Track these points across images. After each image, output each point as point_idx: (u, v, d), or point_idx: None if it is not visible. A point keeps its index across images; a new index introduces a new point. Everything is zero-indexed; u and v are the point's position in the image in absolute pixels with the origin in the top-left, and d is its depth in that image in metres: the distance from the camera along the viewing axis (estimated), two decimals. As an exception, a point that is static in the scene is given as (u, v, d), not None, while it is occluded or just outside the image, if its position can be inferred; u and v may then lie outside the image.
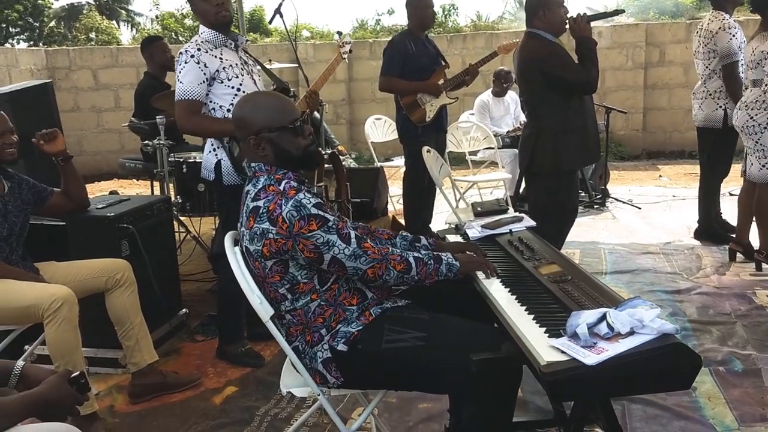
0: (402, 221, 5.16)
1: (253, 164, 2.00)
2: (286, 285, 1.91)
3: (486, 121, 6.35)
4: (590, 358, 1.49)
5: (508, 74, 6.28)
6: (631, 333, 1.54)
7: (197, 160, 4.13)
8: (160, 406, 2.82)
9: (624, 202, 6.05)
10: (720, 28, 4.28)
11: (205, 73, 2.83)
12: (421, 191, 4.76)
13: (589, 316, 1.59)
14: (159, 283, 3.14)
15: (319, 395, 1.97)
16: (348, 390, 2.04)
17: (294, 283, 1.91)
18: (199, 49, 2.84)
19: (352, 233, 1.89)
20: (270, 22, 3.60)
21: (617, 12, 3.81)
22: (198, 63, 2.81)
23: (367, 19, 14.66)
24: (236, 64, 2.93)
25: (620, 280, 4.09)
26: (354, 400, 2.67)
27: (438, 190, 4.13)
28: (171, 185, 4.29)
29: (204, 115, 2.90)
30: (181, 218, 4.34)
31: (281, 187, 1.89)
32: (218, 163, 2.95)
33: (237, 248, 2.00)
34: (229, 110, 2.86)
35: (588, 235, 5.13)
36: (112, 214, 3.00)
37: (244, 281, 1.90)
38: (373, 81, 4.66)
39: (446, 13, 15.14)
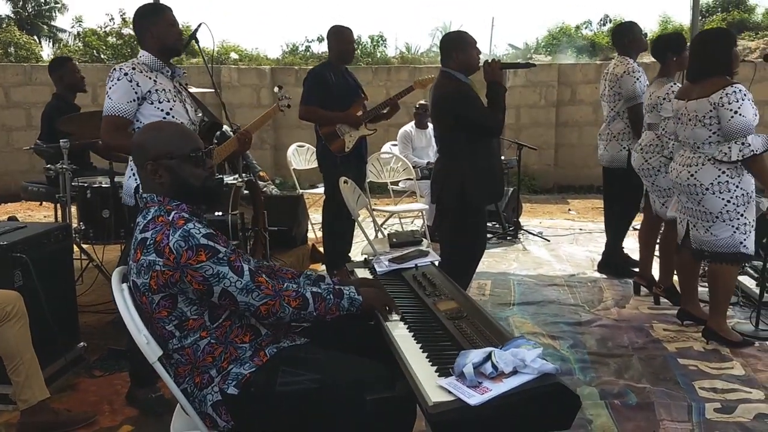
0: (322, 250, 5.14)
1: (145, 195, 1.93)
2: (174, 321, 1.85)
3: (408, 151, 6.47)
4: (474, 398, 1.52)
5: (427, 107, 6.44)
6: (514, 372, 1.59)
7: (102, 185, 4.01)
8: (51, 446, 2.67)
9: (535, 235, 6.26)
10: (625, 72, 4.53)
11: (136, 92, 2.77)
12: (340, 221, 4.76)
13: (476, 355, 1.63)
14: (55, 315, 2.99)
15: (210, 438, 1.91)
16: (242, 430, 1.99)
17: (183, 320, 1.85)
18: (133, 68, 2.80)
19: (245, 266, 1.85)
20: (185, 47, 3.56)
21: (529, 65, 3.96)
22: (130, 81, 2.76)
23: (297, 43, 14.64)
24: (169, 90, 2.89)
25: (526, 311, 4.21)
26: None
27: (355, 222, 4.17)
28: (74, 210, 4.12)
29: (130, 132, 2.83)
30: (84, 245, 4.17)
31: (170, 218, 1.83)
32: (137, 188, 2.86)
33: (125, 285, 1.94)
34: None
35: (500, 266, 5.27)
36: (5, 242, 2.85)
37: (130, 320, 1.84)
38: (299, 107, 4.67)
39: (375, 43, 15.37)
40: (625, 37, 4.66)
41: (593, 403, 2.97)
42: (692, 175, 3.44)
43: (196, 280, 1.77)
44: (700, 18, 11.25)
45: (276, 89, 3.77)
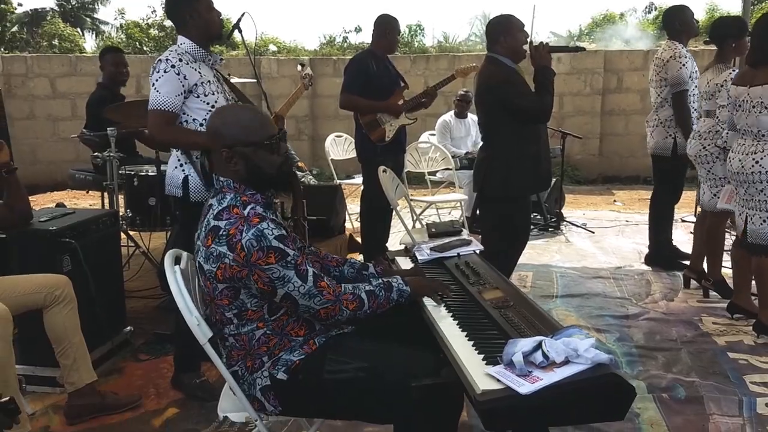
0: (359, 240, 5.14)
1: (222, 178, 1.93)
2: (234, 310, 1.86)
3: (447, 141, 6.41)
4: (524, 387, 1.48)
5: (468, 96, 6.37)
6: (566, 362, 1.55)
7: (149, 174, 4.07)
8: (97, 428, 2.72)
9: (578, 226, 6.14)
10: (671, 57, 4.40)
11: (183, 85, 2.76)
12: (378, 210, 4.74)
13: (526, 344, 1.59)
14: (102, 299, 3.05)
15: (256, 420, 1.92)
16: (287, 416, 2.00)
17: (242, 310, 1.86)
18: (180, 60, 2.78)
19: (310, 270, 1.84)
20: (228, 38, 3.57)
21: (579, 49, 3.86)
22: (178, 74, 2.75)
23: (334, 35, 14.64)
24: (212, 81, 2.89)
25: (570, 303, 4.13)
26: (298, 424, 2.62)
27: (394, 211, 4.14)
28: (121, 198, 4.19)
29: (179, 126, 2.84)
30: (131, 232, 4.25)
31: (245, 212, 1.83)
32: (185, 179, 2.88)
33: (177, 267, 1.95)
34: (201, 125, 2.81)
35: (541, 258, 5.18)
36: (54, 228, 2.91)
37: (182, 301, 1.85)
38: (337, 98, 4.65)
39: (412, 33, 15.30)
40: (675, 20, 4.51)
41: (641, 396, 2.89)
42: (757, 162, 3.31)
43: (262, 281, 1.79)
44: (750, 7, 10.91)
45: (299, 67, 3.74)
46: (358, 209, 5.13)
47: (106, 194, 4.53)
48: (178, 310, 1.86)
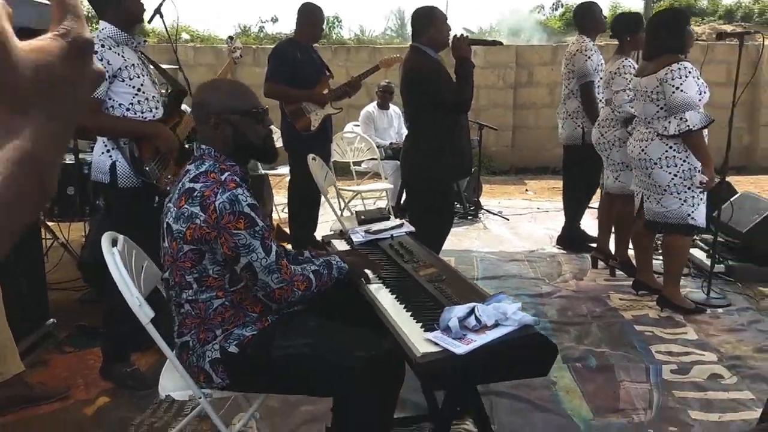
0: (287, 230, 5.17)
1: (203, 146, 1.97)
2: (195, 274, 1.89)
3: (371, 132, 6.51)
4: (460, 348, 1.62)
5: (391, 87, 6.50)
6: (496, 325, 1.69)
7: (66, 162, 3.95)
8: (29, 418, 2.67)
9: (494, 214, 6.41)
10: (578, 50, 4.68)
11: (107, 71, 2.72)
12: (306, 200, 4.79)
13: (460, 310, 1.73)
14: (25, 291, 2.97)
15: (200, 398, 1.96)
16: (231, 392, 2.05)
17: (203, 275, 1.89)
18: (102, 46, 2.74)
19: (275, 247, 1.91)
20: (149, 22, 3.52)
21: (496, 42, 4.06)
22: (101, 59, 2.71)
23: (250, 25, 14.39)
24: (137, 64, 2.86)
25: (490, 285, 4.33)
26: (236, 405, 2.67)
27: (323, 198, 4.21)
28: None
29: (106, 113, 2.80)
30: (49, 224, 4.11)
31: (222, 177, 1.88)
32: (113, 165, 2.84)
33: (115, 249, 1.97)
34: (128, 109, 2.79)
35: (462, 243, 5.40)
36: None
37: (123, 283, 1.87)
38: (258, 87, 4.62)
39: (330, 25, 15.29)
40: (584, 17, 4.81)
41: (557, 366, 3.11)
42: (643, 150, 3.63)
43: (228, 245, 1.83)
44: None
45: (227, 41, 3.71)
46: (283, 200, 5.16)
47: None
48: (113, 296, 1.87)
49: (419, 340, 1.70)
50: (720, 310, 3.81)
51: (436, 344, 1.66)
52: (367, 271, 2.22)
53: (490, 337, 1.65)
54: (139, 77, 2.84)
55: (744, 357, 3.21)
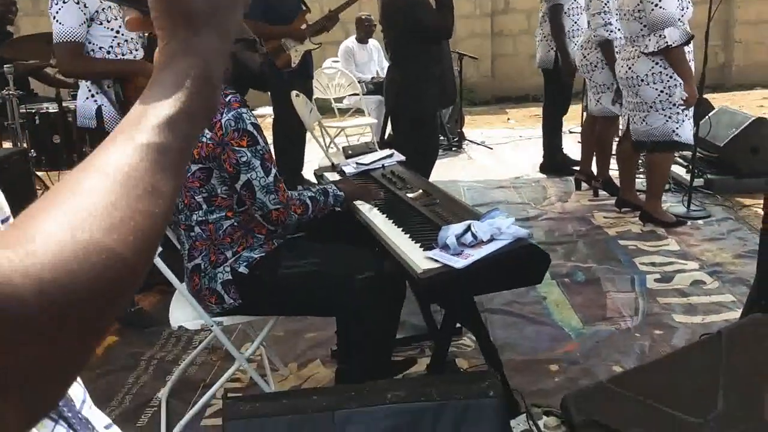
0: (273, 169, 5.18)
1: None
2: (204, 194, 1.95)
3: (351, 67, 6.45)
4: (459, 262, 1.72)
5: (369, 20, 6.40)
6: (492, 239, 1.79)
7: (50, 111, 3.93)
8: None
9: (478, 144, 6.48)
10: None
11: (85, 14, 2.69)
12: (291, 138, 4.80)
13: (457, 228, 1.82)
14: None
15: (212, 326, 2.06)
16: (240, 318, 2.14)
17: (212, 194, 1.96)
18: None
19: (274, 170, 1.96)
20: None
21: None
22: (77, 2, 2.67)
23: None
24: (113, 6, 2.82)
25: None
26: (243, 335, 2.78)
27: (309, 134, 4.24)
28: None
29: (87, 56, 2.78)
30: (37, 173, 4.11)
31: (226, 99, 1.93)
32: (99, 110, 2.85)
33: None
34: (108, 52, 2.78)
35: (448, 174, 5.47)
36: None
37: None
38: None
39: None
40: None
41: (546, 282, 3.24)
42: (630, 68, 3.67)
43: (230, 161, 1.89)
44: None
45: None
46: (269, 139, 5.15)
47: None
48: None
49: (420, 258, 1.80)
50: (700, 221, 3.96)
51: (436, 261, 1.75)
52: (365, 195, 2.29)
53: (487, 251, 1.75)
54: (117, 19, 2.81)
55: (724, 263, 3.37)
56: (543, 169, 5.32)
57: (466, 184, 5.17)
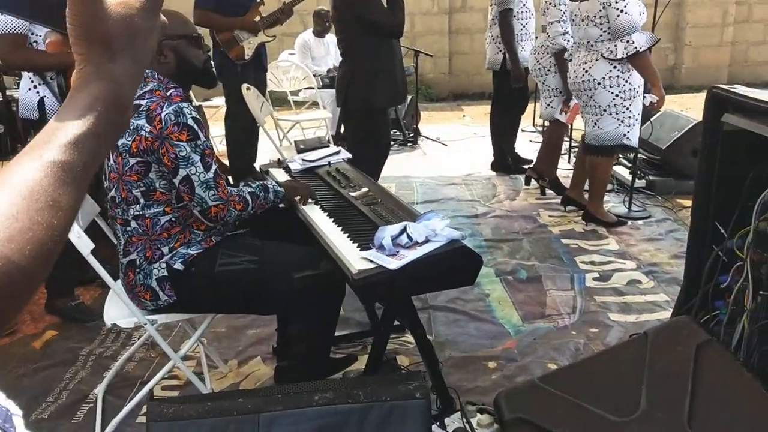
0: (226, 162, 5.14)
1: (147, 70, 1.97)
2: (142, 188, 1.93)
3: (307, 60, 6.42)
4: (393, 263, 1.74)
5: (327, 14, 6.36)
6: (427, 241, 1.82)
7: (-8, 99, 3.82)
8: (-26, 355, 2.70)
9: (433, 140, 6.53)
10: None
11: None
12: (244, 130, 4.76)
13: (393, 229, 1.84)
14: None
15: (145, 324, 2.03)
16: (176, 316, 2.12)
17: (150, 189, 1.93)
18: None
19: (214, 166, 1.95)
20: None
21: None
22: None
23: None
24: None
25: (428, 208, 4.45)
26: (183, 332, 2.76)
27: (261, 128, 4.20)
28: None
29: (29, 47, 2.72)
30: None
31: (167, 93, 1.92)
32: (41, 101, 2.80)
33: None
34: None
35: (402, 169, 5.51)
36: None
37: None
38: (189, 15, 4.53)
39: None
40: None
41: (490, 280, 3.33)
42: (586, 71, 3.72)
43: (168, 156, 1.87)
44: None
45: None
46: (220, 132, 5.11)
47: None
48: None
49: (355, 258, 1.81)
50: (640, 222, 4.08)
51: (371, 261, 1.77)
52: (303, 195, 2.30)
53: (421, 253, 1.78)
54: None
55: (660, 263, 3.49)
56: (494, 167, 5.39)
57: (418, 180, 5.21)
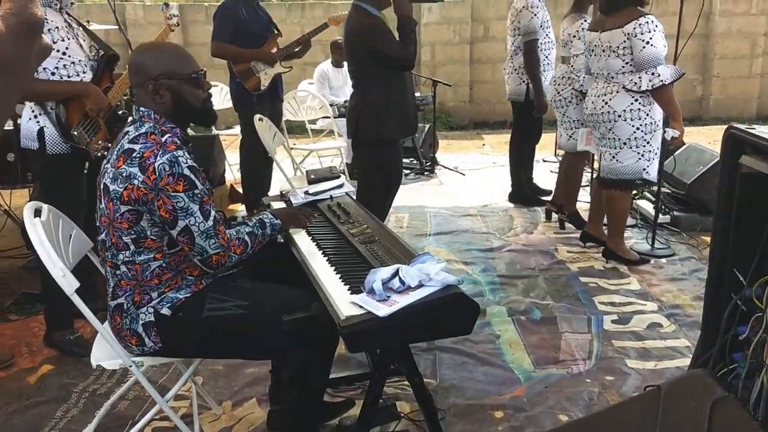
0: (240, 190, 5.12)
1: (142, 108, 1.93)
2: (133, 235, 1.86)
3: (325, 90, 6.43)
4: (383, 310, 1.63)
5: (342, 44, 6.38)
6: (420, 286, 1.71)
7: (6, 128, 3.83)
8: (-32, 389, 2.65)
9: (450, 169, 6.42)
10: (524, 6, 4.63)
11: None
12: (257, 159, 4.74)
13: (385, 272, 1.73)
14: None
15: (131, 366, 1.96)
16: (164, 358, 2.04)
17: (141, 236, 1.87)
18: None
19: (213, 213, 1.88)
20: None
21: (437, 0, 3.99)
22: None
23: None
24: (62, 27, 2.74)
25: (441, 240, 4.39)
26: (178, 371, 2.67)
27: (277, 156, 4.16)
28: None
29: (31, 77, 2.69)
30: (-11, 191, 4.01)
31: (163, 139, 1.85)
32: (41, 131, 2.77)
33: (38, 219, 1.92)
34: (53, 73, 2.70)
35: (417, 199, 5.41)
36: None
37: (45, 254, 1.83)
38: (210, 46, 4.56)
39: (288, -21, 14.89)
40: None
41: (501, 320, 3.19)
42: (606, 103, 3.60)
43: (166, 207, 1.80)
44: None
45: (163, 8, 3.62)
46: (237, 159, 5.10)
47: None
48: (45, 266, 1.83)
49: (344, 303, 1.71)
50: (663, 260, 3.91)
51: (361, 307, 1.67)
52: (300, 221, 2.23)
53: (413, 299, 1.67)
54: (64, 40, 2.73)
55: (683, 305, 3.32)
56: (512, 198, 5.27)
57: (433, 210, 5.11)
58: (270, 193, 4.95)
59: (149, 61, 1.94)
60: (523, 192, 5.19)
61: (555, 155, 6.57)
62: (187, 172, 1.81)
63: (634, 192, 4.64)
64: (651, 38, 3.40)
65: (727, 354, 1.90)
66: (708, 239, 4.14)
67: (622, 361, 2.80)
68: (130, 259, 1.89)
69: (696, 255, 3.98)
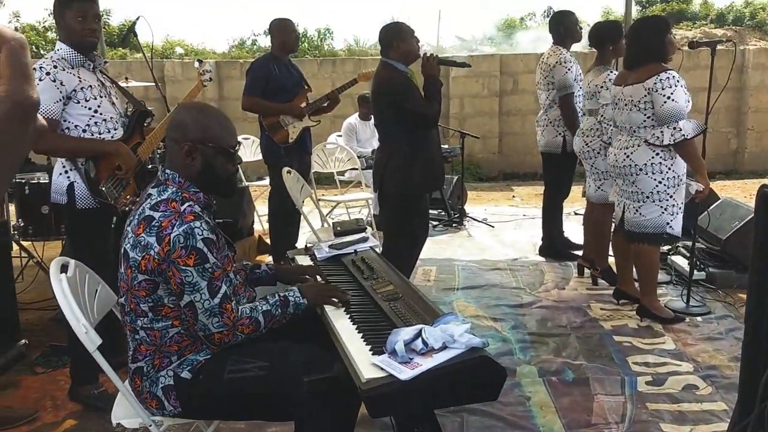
0: (268, 241, 5.14)
1: (168, 171, 1.94)
2: (150, 303, 1.86)
3: (353, 143, 6.51)
4: (405, 373, 1.58)
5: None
6: (444, 347, 1.66)
7: (40, 181, 3.93)
8: (-10, 445, 2.64)
9: (479, 221, 6.38)
10: (557, 62, 4.66)
11: (61, 92, 2.70)
12: (285, 211, 4.77)
13: (407, 333, 1.69)
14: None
15: (150, 426, 1.93)
16: (183, 419, 2.01)
17: (159, 304, 1.86)
18: (55, 67, 2.71)
19: (223, 288, 1.85)
20: (123, 42, 3.51)
21: (465, 64, 4.03)
22: (54, 81, 2.68)
23: (244, 38, 14.41)
24: (94, 86, 2.83)
25: (470, 295, 4.32)
26: (199, 429, 2.63)
27: (306, 208, 4.20)
28: (12, 207, 4.03)
29: (61, 134, 2.77)
30: (23, 243, 4.08)
31: (182, 208, 1.84)
32: (71, 186, 2.82)
33: (63, 275, 1.94)
34: (84, 130, 2.77)
35: (445, 252, 5.36)
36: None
37: (69, 310, 1.84)
38: (238, 101, 4.69)
39: (322, 36, 15.27)
40: (560, 25, 4.78)
41: (532, 380, 3.09)
42: (628, 156, 3.57)
43: (175, 280, 1.80)
44: (640, 9, 11.61)
45: (196, 64, 3.71)
46: (266, 210, 5.15)
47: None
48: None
49: (366, 365, 1.67)
50: (699, 318, 3.78)
51: (382, 369, 1.62)
52: (329, 300, 2.13)
53: (437, 361, 1.62)
54: (96, 98, 2.81)
55: (720, 366, 3.18)
56: (542, 252, 5.19)
57: (461, 264, 5.04)
58: (298, 245, 4.97)
59: (192, 122, 1.93)
60: (555, 245, 5.11)
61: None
62: (200, 245, 1.79)
63: (668, 248, 4.55)
64: (672, 93, 3.38)
65: (765, 422, 1.80)
66: (745, 297, 4.00)
67: (656, 425, 2.67)
68: (149, 325, 1.89)
69: (733, 313, 3.83)
